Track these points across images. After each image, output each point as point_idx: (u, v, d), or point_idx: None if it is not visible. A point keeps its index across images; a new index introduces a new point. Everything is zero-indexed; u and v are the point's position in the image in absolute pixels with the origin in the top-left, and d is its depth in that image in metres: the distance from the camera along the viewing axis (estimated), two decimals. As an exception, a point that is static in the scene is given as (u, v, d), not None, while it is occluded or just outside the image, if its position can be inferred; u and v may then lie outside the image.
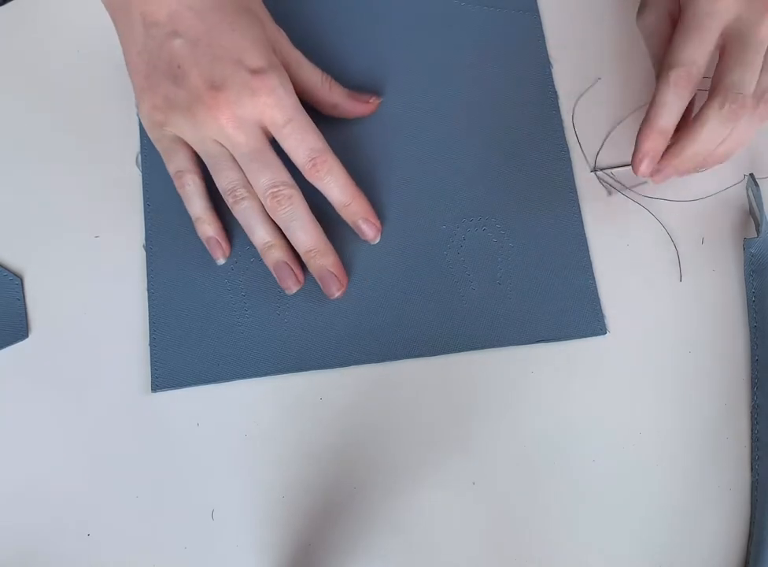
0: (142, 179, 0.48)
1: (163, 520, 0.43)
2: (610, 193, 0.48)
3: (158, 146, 0.45)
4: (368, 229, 0.45)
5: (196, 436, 0.44)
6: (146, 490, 0.43)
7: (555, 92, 0.50)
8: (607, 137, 0.49)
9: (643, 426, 0.44)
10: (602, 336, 0.45)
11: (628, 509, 0.42)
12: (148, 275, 0.46)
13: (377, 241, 0.45)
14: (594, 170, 0.48)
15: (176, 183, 0.44)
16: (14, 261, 0.47)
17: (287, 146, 0.43)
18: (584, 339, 0.45)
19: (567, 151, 0.49)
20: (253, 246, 0.45)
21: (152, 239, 0.47)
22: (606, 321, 0.45)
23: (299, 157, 0.43)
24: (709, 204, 0.47)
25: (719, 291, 0.46)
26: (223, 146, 0.42)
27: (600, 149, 0.49)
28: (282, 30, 0.45)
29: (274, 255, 0.44)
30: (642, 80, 0.50)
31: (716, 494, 0.43)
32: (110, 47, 0.46)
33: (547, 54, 0.51)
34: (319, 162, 0.42)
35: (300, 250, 0.44)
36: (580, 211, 0.47)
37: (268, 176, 0.42)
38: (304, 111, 0.43)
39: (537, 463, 0.43)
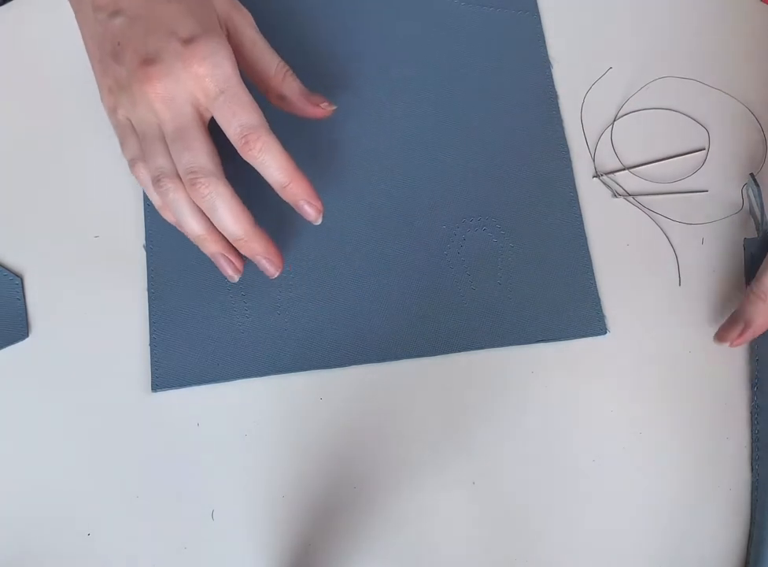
0: (142, 179, 0.48)
1: (163, 520, 0.42)
2: (615, 195, 0.48)
3: (116, 133, 0.43)
4: (310, 210, 0.42)
5: (196, 436, 0.44)
6: (146, 490, 0.43)
7: (555, 92, 0.50)
8: (600, 138, 0.49)
9: (643, 426, 0.44)
10: (602, 336, 0.45)
11: (628, 509, 0.42)
12: (148, 275, 0.46)
13: (319, 222, 0.42)
14: (596, 175, 0.48)
15: (131, 171, 0.42)
16: (14, 261, 0.47)
17: (219, 119, 0.39)
18: (584, 338, 0.45)
19: (567, 151, 0.49)
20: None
21: (152, 239, 0.47)
22: (606, 321, 0.45)
23: (231, 132, 0.39)
24: (709, 205, 0.47)
25: (719, 291, 0.46)
26: (159, 127, 0.40)
27: (595, 151, 0.49)
28: (244, 10, 0.43)
29: (209, 248, 0.42)
30: (643, 81, 0.50)
31: (716, 494, 0.43)
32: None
33: (547, 54, 0.51)
34: (252, 139, 0.39)
35: (229, 239, 0.41)
36: (580, 211, 0.47)
37: (186, 159, 0.39)
38: (241, 82, 0.39)
39: (537, 463, 0.43)
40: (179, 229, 0.43)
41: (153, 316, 0.45)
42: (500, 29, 0.51)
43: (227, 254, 0.42)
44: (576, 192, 0.48)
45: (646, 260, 0.47)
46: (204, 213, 0.41)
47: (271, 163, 0.40)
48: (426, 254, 0.47)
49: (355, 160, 0.48)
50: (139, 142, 0.41)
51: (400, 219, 0.47)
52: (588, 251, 0.47)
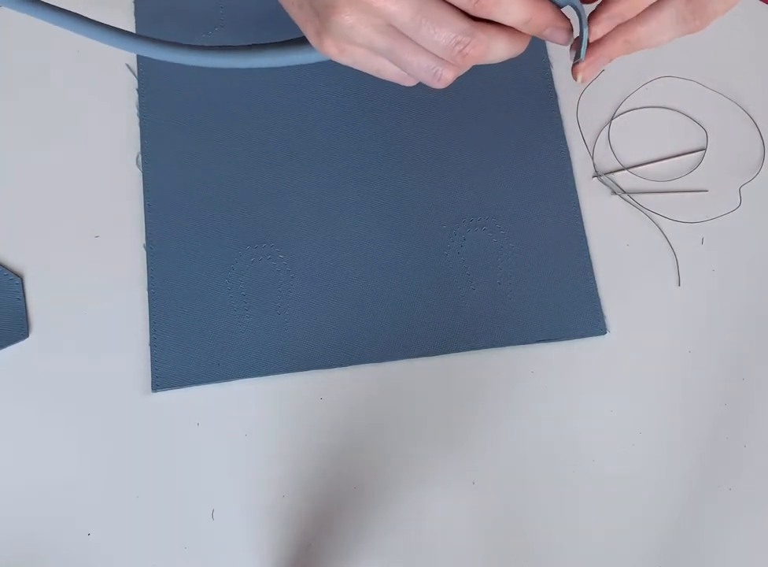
0: (142, 179, 0.48)
1: (163, 520, 0.42)
2: (614, 192, 0.48)
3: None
4: (559, 35, 0.37)
5: (196, 436, 0.44)
6: (146, 490, 0.43)
7: (555, 92, 0.50)
8: (599, 138, 0.49)
9: (643, 426, 0.44)
10: (602, 336, 0.45)
11: (627, 509, 0.42)
12: (148, 275, 0.46)
13: (570, 41, 0.37)
14: (596, 175, 0.48)
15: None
16: (14, 261, 0.47)
17: None
18: (584, 338, 0.45)
19: (567, 151, 0.49)
20: (252, 246, 0.46)
21: (152, 239, 0.47)
22: (606, 321, 0.45)
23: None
24: (708, 204, 0.48)
25: (718, 291, 0.46)
26: (387, 27, 0.34)
27: (594, 151, 0.49)
28: None
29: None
30: (643, 80, 0.50)
31: (716, 494, 0.43)
32: (111, 47, 0.45)
33: (547, 54, 0.51)
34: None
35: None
36: (580, 211, 0.47)
37: (444, 35, 0.35)
38: None
39: (537, 463, 0.43)
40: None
41: (153, 316, 0.45)
42: (499, 29, 0.51)
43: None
44: (576, 192, 0.48)
45: (646, 260, 0.47)
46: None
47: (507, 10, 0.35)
48: (426, 254, 0.47)
49: (352, 163, 0.48)
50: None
51: (400, 219, 0.47)
52: (588, 251, 0.47)
